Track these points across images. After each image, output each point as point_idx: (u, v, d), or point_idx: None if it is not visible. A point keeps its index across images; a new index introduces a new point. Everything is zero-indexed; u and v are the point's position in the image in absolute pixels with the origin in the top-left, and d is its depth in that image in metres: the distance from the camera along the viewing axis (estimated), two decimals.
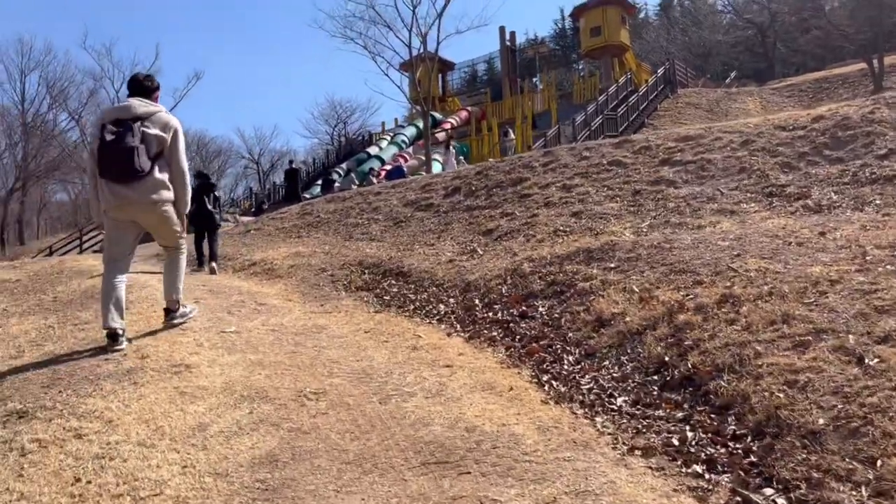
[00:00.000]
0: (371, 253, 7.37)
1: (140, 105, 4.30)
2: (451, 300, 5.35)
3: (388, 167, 24.61)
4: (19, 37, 58.09)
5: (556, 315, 4.37)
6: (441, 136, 30.36)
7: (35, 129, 39.49)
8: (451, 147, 21.16)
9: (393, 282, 6.29)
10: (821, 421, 2.45)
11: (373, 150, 32.49)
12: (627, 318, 3.87)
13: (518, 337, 4.23)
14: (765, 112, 28.65)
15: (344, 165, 31.24)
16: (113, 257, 4.38)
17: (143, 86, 4.47)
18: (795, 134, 7.29)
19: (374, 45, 21.98)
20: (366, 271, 6.77)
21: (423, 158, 27.89)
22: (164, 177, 4.31)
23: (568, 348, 3.86)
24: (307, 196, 25.53)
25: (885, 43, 30.25)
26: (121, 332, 4.22)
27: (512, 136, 26.77)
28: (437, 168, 24.01)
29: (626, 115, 28.00)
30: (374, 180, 19.80)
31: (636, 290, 4.22)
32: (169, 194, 4.35)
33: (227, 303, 5.62)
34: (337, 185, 26.23)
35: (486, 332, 4.45)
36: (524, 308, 4.64)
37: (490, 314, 4.75)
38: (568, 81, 50.65)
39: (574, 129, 26.77)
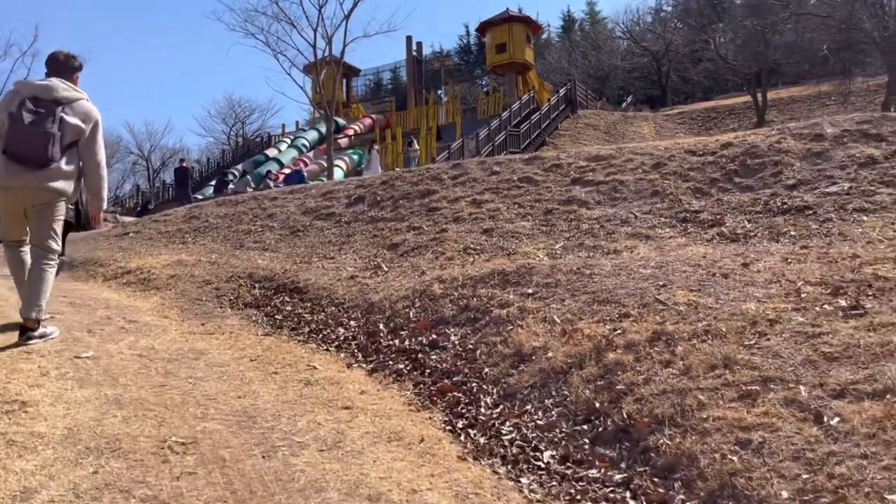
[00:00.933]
0: (263, 265, 6.71)
1: (63, 88, 4.04)
2: (353, 323, 4.82)
3: (288, 171, 23.66)
4: None
5: (471, 346, 3.92)
6: (343, 141, 29.63)
7: None
8: (374, 150, 20.35)
9: (287, 299, 5.67)
10: (784, 494, 2.11)
11: (272, 152, 31.35)
12: (550, 354, 3.48)
13: (428, 371, 3.76)
14: (659, 137, 29.78)
15: (240, 166, 29.93)
16: (11, 237, 4.17)
17: (64, 65, 4.17)
18: (706, 159, 7.24)
19: (277, 42, 21.04)
20: (256, 285, 6.11)
21: (325, 164, 27.11)
22: (70, 168, 4.03)
23: (485, 387, 3.42)
24: (199, 197, 24.18)
25: (769, 78, 32.18)
26: None
27: (416, 146, 26.36)
28: (338, 174, 23.28)
29: (529, 132, 28.35)
30: (272, 184, 18.89)
31: (558, 320, 3.84)
32: (67, 188, 4.07)
33: (90, 319, 4.84)
34: (231, 186, 24.98)
35: (391, 363, 3.95)
36: (434, 336, 4.18)
37: (396, 342, 4.25)
38: (471, 96, 51.08)
39: (477, 143, 26.80)
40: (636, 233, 5.94)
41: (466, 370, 3.64)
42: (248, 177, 25.35)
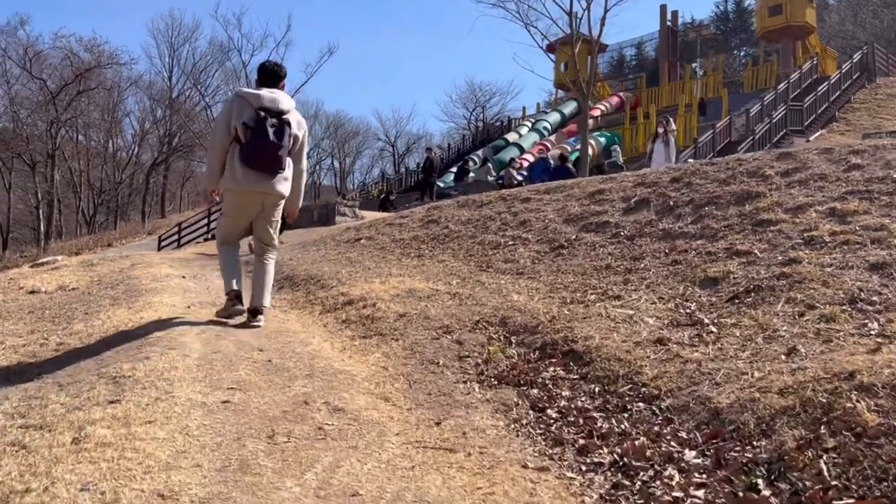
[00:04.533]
0: (520, 303, 4.81)
1: (285, 100, 4.46)
2: (691, 457, 2.69)
3: (531, 158, 21.90)
4: (170, 11, 59.84)
5: None
6: (588, 123, 27.26)
7: (179, 106, 40.01)
8: (669, 136, 13.45)
9: (560, 373, 3.70)
10: None
11: (511, 136, 29.98)
12: None
13: None
14: None
15: (480, 153, 28.91)
16: (228, 239, 4.75)
17: (277, 75, 4.58)
18: None
19: (527, 11, 19.03)
20: (512, 340, 4.23)
21: (568, 148, 25.03)
22: (290, 173, 4.55)
23: None
24: (440, 184, 23.43)
25: None
26: (241, 292, 4.66)
27: (674, 126, 23.22)
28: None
29: (814, 107, 23.85)
30: (515, 174, 17.18)
31: None
32: (287, 190, 4.57)
33: (279, 404, 3.26)
34: (471, 175, 23.92)
35: None
36: None
37: None
38: (730, 68, 45.93)
39: (748, 121, 23.05)
40: None
41: None
42: (489, 164, 24.08)
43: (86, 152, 43.52)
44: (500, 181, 19.55)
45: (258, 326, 4.58)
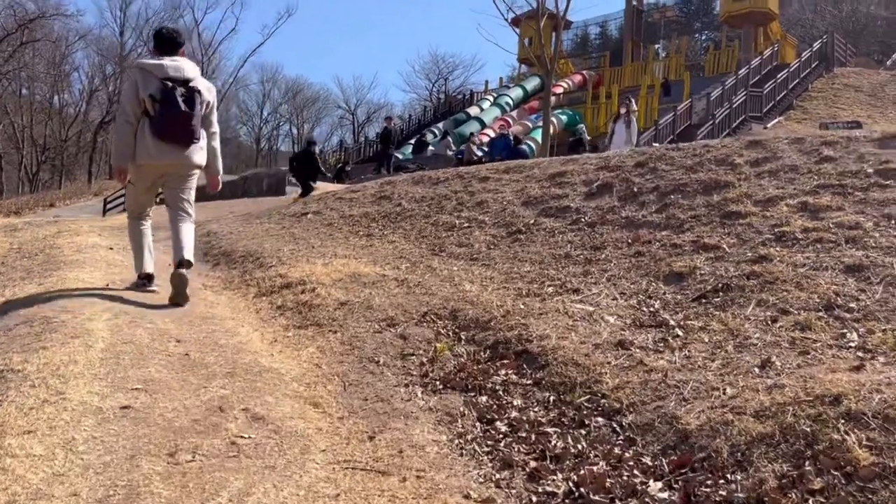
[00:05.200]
0: (472, 294, 4.44)
1: (189, 67, 4.36)
2: (656, 489, 2.34)
3: (492, 134, 21.45)
4: None
5: None
6: (551, 100, 26.92)
7: (130, 63, 38.34)
8: (631, 117, 13.07)
9: (513, 377, 3.35)
10: None
11: (473, 110, 29.50)
12: None
13: None
14: None
15: (440, 125, 28.38)
16: (139, 211, 4.61)
17: (175, 42, 4.47)
18: None
19: None
20: (461, 336, 3.86)
21: (530, 125, 24.69)
22: (205, 142, 4.47)
23: None
24: (398, 156, 22.90)
25: None
26: (153, 274, 4.57)
27: (635, 106, 23.01)
28: (539, 136, 20.70)
29: (773, 93, 23.93)
30: (476, 149, 16.74)
31: None
32: (203, 159, 4.48)
33: (191, 408, 2.83)
34: (431, 148, 23.42)
35: None
36: None
37: None
38: (691, 51, 46.07)
39: (708, 105, 23.00)
40: None
41: None
42: (449, 138, 23.58)
43: (29, 107, 41.54)
44: (460, 156, 19.11)
45: (184, 282, 4.28)
